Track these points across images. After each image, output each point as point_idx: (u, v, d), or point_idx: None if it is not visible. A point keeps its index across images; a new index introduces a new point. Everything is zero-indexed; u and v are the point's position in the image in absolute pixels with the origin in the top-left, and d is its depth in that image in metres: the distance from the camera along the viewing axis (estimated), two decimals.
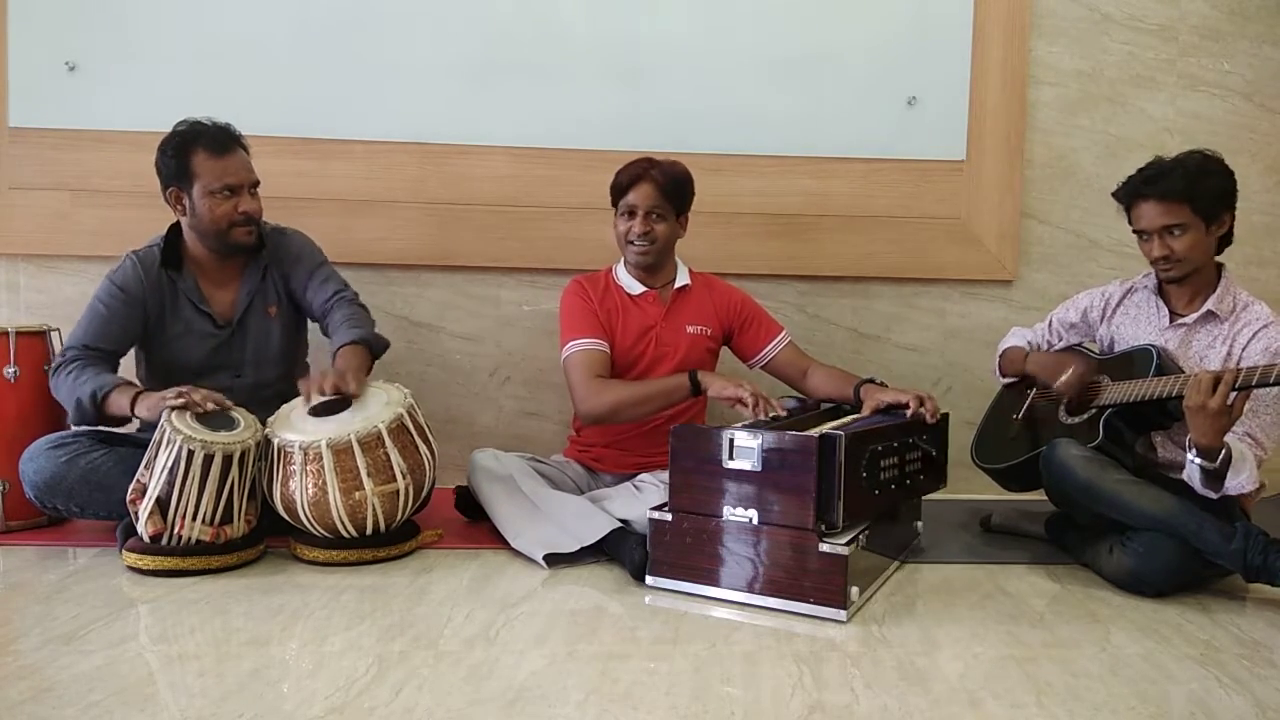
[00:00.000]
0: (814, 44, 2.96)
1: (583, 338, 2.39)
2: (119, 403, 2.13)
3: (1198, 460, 1.95)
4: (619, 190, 2.43)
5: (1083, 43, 3.01)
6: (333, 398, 2.13)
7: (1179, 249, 2.12)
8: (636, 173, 2.40)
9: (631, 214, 2.40)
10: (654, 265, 2.46)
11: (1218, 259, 2.22)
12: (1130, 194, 2.19)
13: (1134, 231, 2.21)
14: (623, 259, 2.52)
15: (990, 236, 3.01)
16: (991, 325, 3.00)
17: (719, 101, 2.95)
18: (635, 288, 2.48)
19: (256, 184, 2.32)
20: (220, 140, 2.25)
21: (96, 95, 2.85)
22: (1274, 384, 1.85)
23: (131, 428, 2.43)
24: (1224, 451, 1.92)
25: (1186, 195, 2.09)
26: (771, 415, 2.12)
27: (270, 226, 2.44)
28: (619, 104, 2.93)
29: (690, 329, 2.47)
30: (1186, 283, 2.20)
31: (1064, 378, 2.25)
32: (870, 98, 2.98)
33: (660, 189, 2.39)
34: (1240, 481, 1.94)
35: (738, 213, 2.95)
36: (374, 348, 2.34)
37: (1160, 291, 2.28)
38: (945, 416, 2.30)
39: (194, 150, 2.24)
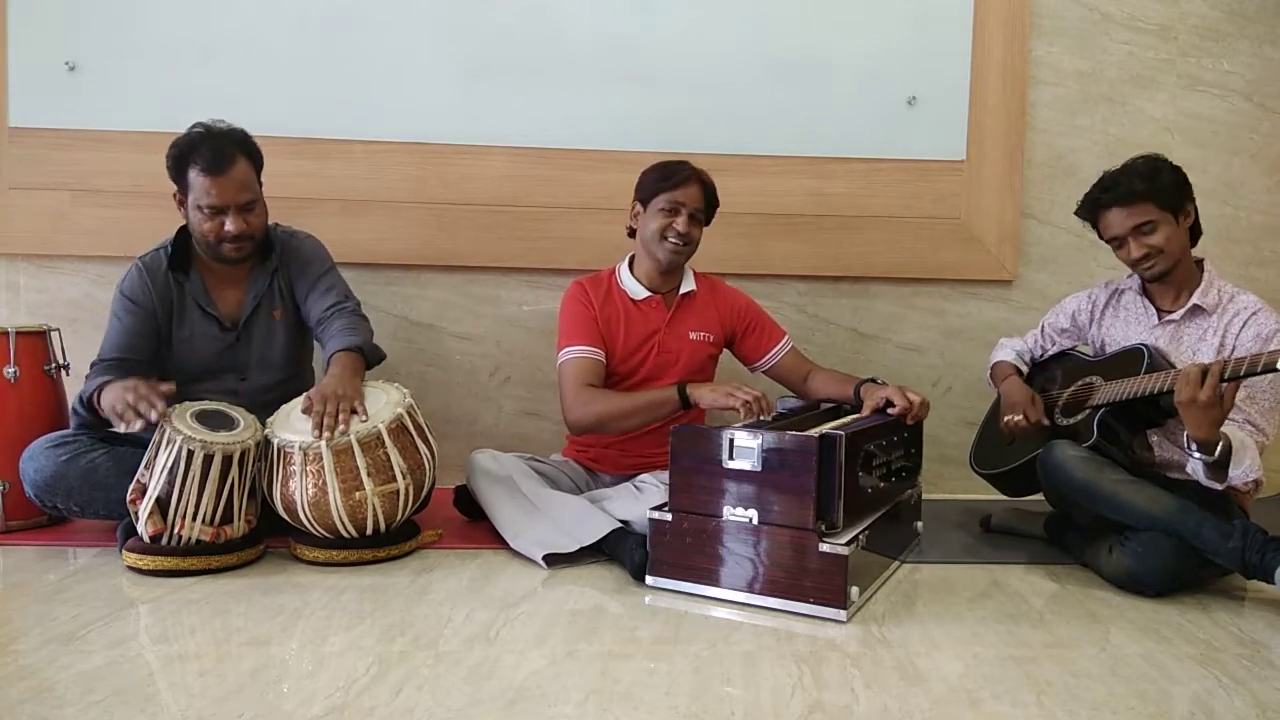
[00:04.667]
0: (814, 44, 2.96)
1: (577, 345, 2.38)
2: (99, 399, 2.13)
3: (1198, 455, 1.95)
4: (661, 188, 2.37)
5: (1083, 43, 3.01)
6: None
7: (1156, 243, 2.15)
8: (687, 173, 2.38)
9: (675, 211, 2.37)
10: (679, 267, 2.46)
11: (1197, 255, 2.24)
12: (1092, 208, 2.24)
13: (1107, 242, 2.24)
14: (628, 261, 2.52)
15: (990, 236, 3.02)
16: (991, 325, 3.01)
17: (719, 101, 2.95)
18: (639, 292, 2.47)
19: (251, 202, 2.26)
20: (214, 159, 2.19)
21: (96, 95, 2.85)
22: (1261, 372, 1.86)
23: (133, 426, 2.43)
24: (1222, 442, 1.92)
25: (1146, 193, 2.14)
26: (771, 416, 2.12)
27: (282, 230, 2.44)
28: (619, 104, 2.93)
29: (693, 335, 2.46)
30: (1169, 280, 2.21)
31: (1010, 418, 2.29)
32: (870, 98, 2.98)
33: (705, 194, 2.41)
34: (1244, 470, 1.94)
35: (738, 213, 2.95)
36: (367, 355, 2.31)
37: (1145, 291, 2.29)
38: (919, 425, 2.30)
39: (189, 164, 2.21)
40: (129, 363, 2.27)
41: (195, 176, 2.21)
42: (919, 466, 2.33)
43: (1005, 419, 2.30)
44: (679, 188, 2.37)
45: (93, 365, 2.27)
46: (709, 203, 2.43)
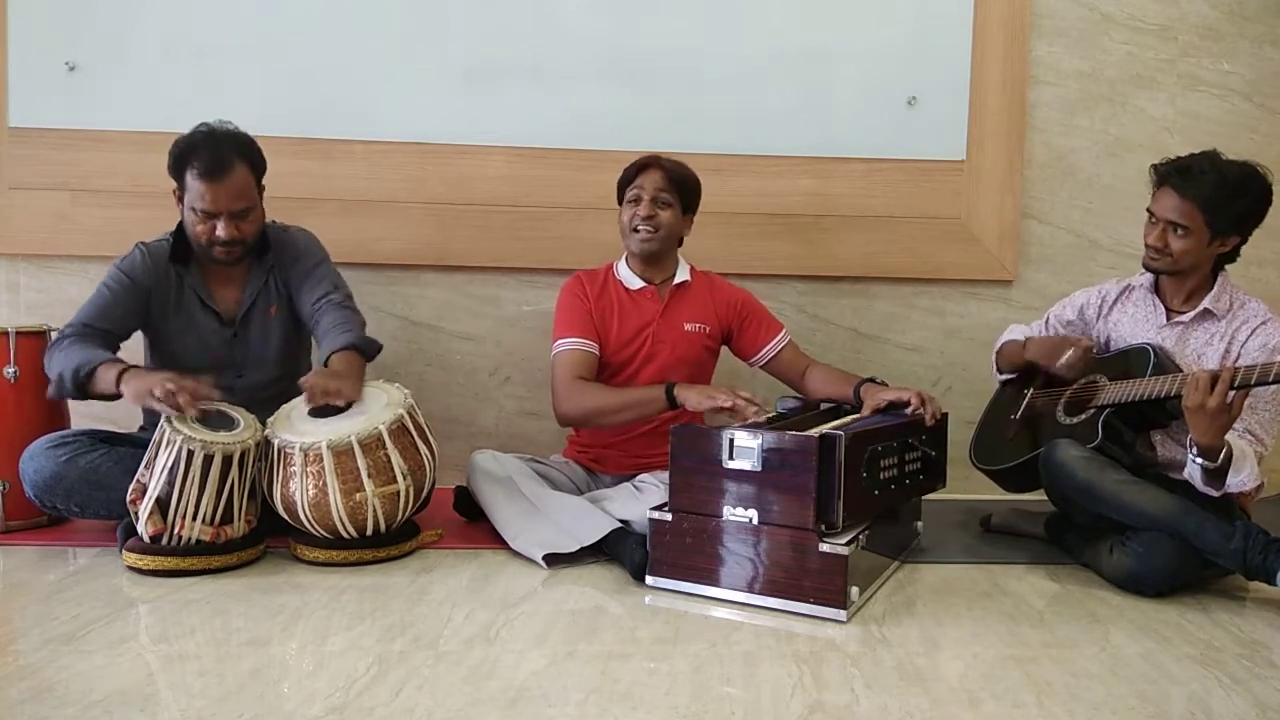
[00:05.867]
0: (814, 44, 2.96)
1: (571, 337, 2.39)
2: (105, 378, 2.12)
3: (1199, 460, 1.95)
4: (626, 180, 2.43)
5: (1083, 43, 3.01)
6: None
7: (1174, 247, 2.13)
8: (645, 161, 2.43)
9: (636, 200, 2.40)
10: (656, 254, 2.44)
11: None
12: (1162, 176, 2.17)
13: (1146, 209, 2.20)
14: (625, 255, 2.52)
15: (990, 236, 3.02)
16: (991, 325, 3.00)
17: (719, 101, 2.95)
18: (634, 283, 2.47)
19: (246, 210, 2.26)
20: (212, 164, 2.19)
21: (96, 95, 2.85)
22: (1272, 382, 1.85)
23: (133, 426, 2.43)
24: (1225, 450, 1.92)
25: (1207, 206, 2.08)
26: (764, 417, 2.11)
27: (276, 227, 2.44)
28: (619, 104, 2.93)
29: (688, 327, 2.46)
30: (1179, 280, 2.21)
31: (1065, 358, 2.24)
32: (870, 98, 2.98)
33: (668, 176, 2.40)
34: (1242, 479, 1.94)
35: (738, 213, 2.95)
36: (365, 352, 2.31)
37: (1156, 289, 2.28)
38: (945, 417, 2.30)
39: (187, 165, 2.21)
40: (102, 333, 2.26)
41: (192, 179, 2.21)
42: (941, 468, 2.31)
43: (1064, 359, 2.23)
44: (636, 176, 2.41)
45: (67, 326, 2.25)
46: (677, 185, 2.41)
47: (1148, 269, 2.23)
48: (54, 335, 2.44)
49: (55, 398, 2.22)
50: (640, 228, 2.39)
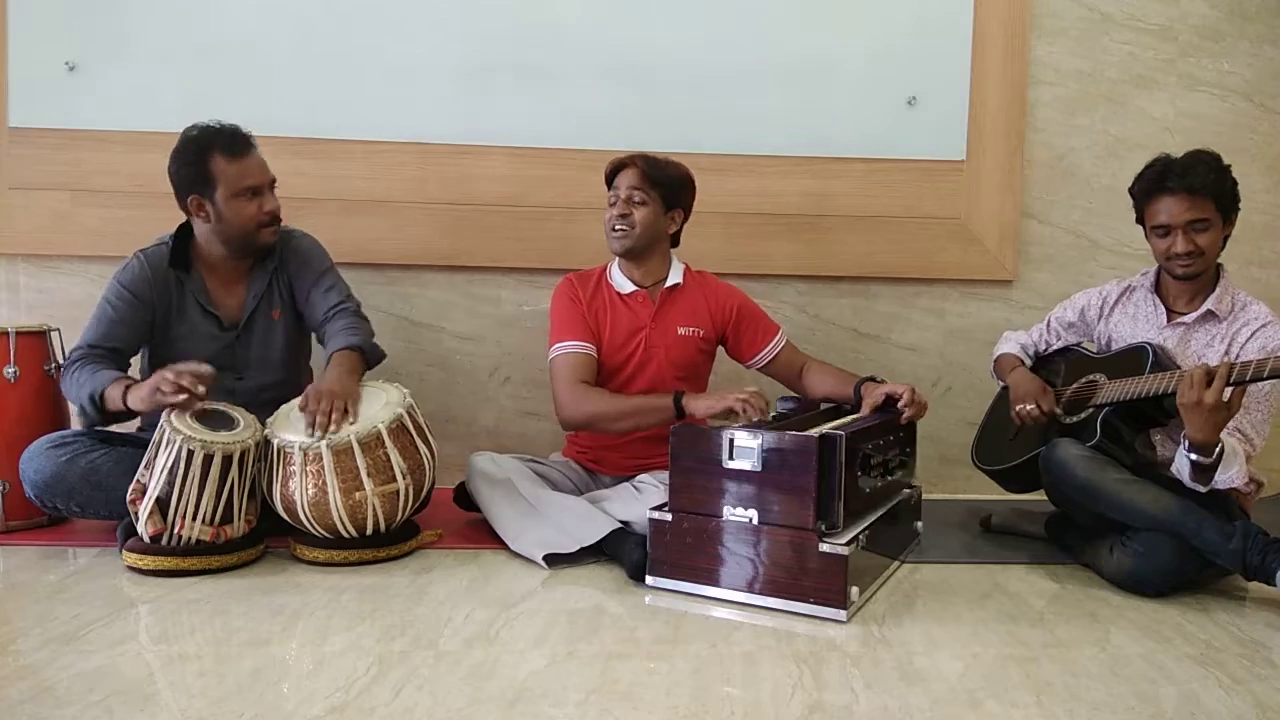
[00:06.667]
0: (814, 44, 2.96)
1: (569, 340, 2.38)
2: (113, 398, 2.13)
3: (1191, 455, 1.95)
4: (607, 181, 2.44)
5: (1083, 43, 3.01)
6: None
7: (1203, 243, 2.11)
8: (621, 161, 2.43)
9: (613, 202, 2.41)
10: (634, 251, 2.42)
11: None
12: (1154, 187, 2.15)
13: (1152, 227, 2.18)
14: (616, 258, 2.52)
15: (990, 236, 3.02)
16: (991, 325, 3.00)
17: (719, 101, 2.95)
18: (626, 286, 2.46)
19: (274, 182, 2.32)
20: (235, 143, 2.23)
21: (96, 95, 2.85)
22: (1268, 378, 1.85)
23: (132, 427, 2.43)
24: (1218, 447, 1.92)
25: (1213, 191, 2.09)
26: (771, 416, 2.11)
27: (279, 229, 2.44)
28: (619, 104, 2.93)
29: (681, 330, 2.45)
30: (1189, 281, 2.20)
31: (1022, 407, 2.26)
32: (870, 98, 2.98)
33: (643, 174, 2.38)
34: (1230, 476, 1.95)
35: (738, 213, 2.95)
36: (368, 356, 2.33)
37: (1158, 290, 2.28)
38: (912, 423, 2.29)
39: (211, 155, 2.22)
40: (112, 353, 2.26)
41: (224, 165, 2.22)
42: (914, 462, 2.33)
43: (1017, 408, 2.27)
44: (614, 176, 2.43)
45: (75, 350, 2.25)
46: (654, 182, 2.38)
47: (1184, 277, 2.17)
48: (52, 335, 2.46)
49: (88, 427, 2.22)
50: (616, 226, 2.39)
